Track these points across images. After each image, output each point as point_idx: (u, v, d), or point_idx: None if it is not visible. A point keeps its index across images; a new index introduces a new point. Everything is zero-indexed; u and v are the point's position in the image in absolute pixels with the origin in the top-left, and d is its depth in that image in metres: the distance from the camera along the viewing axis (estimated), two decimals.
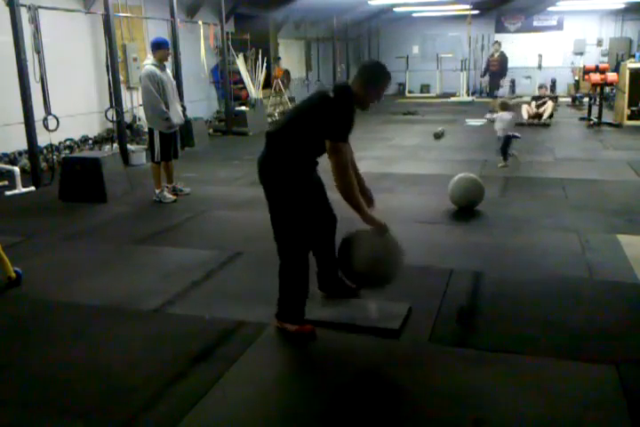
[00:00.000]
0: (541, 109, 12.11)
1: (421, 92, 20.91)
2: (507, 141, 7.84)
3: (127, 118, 9.51)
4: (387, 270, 3.36)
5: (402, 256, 3.40)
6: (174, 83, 6.54)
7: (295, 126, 3.21)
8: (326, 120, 3.08)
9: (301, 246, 3.23)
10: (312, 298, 3.61)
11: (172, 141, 6.41)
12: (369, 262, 3.30)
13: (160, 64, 6.13)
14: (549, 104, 12.10)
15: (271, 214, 3.27)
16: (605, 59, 18.28)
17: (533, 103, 12.30)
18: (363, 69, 3.26)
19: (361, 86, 3.17)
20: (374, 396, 2.70)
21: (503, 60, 15.21)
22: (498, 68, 15.24)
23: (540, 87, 12.81)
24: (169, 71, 6.37)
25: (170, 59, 6.95)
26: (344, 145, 3.11)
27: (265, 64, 12.65)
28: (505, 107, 8.00)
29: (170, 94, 6.19)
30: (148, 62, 6.12)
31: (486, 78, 16.94)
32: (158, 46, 6.12)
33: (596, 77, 11.69)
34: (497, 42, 14.67)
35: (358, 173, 3.47)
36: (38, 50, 7.21)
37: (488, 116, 12.29)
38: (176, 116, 6.30)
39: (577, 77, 16.94)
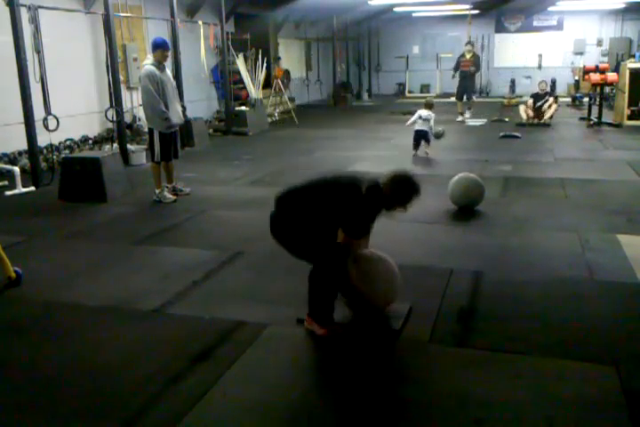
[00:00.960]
0: (544, 107, 11.98)
1: (421, 91, 20.92)
2: (421, 135, 8.88)
3: (127, 118, 9.52)
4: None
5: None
6: (174, 83, 6.54)
7: (310, 199, 3.24)
8: (349, 212, 3.10)
9: (336, 258, 3.18)
10: None
11: (172, 141, 6.42)
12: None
13: (159, 64, 6.13)
14: (551, 103, 11.98)
15: (298, 255, 3.32)
16: (605, 59, 18.29)
17: (531, 101, 12.22)
18: (397, 183, 3.18)
19: (391, 194, 3.15)
20: (374, 396, 2.70)
21: (476, 61, 13.24)
22: (471, 70, 13.08)
23: (540, 83, 12.57)
24: (168, 71, 6.37)
25: (170, 59, 6.94)
26: (356, 242, 3.18)
27: (265, 64, 12.65)
28: (429, 106, 9.03)
29: (169, 94, 6.19)
30: (148, 62, 6.12)
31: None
32: (157, 47, 6.12)
33: (595, 77, 11.70)
34: (470, 42, 13.87)
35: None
36: (38, 50, 7.21)
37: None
38: (176, 116, 6.30)
39: (577, 77, 16.96)
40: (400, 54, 20.79)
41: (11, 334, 3.41)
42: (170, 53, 6.52)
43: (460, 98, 13.29)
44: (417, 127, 8.93)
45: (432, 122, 8.96)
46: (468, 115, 13.32)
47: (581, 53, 19.45)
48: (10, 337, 3.37)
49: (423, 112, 8.90)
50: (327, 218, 3.15)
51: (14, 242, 4.93)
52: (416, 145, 8.97)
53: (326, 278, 3.18)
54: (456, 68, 13.28)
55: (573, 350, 3.08)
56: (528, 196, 6.38)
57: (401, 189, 3.16)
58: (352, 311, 3.47)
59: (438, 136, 10.62)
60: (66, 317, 3.59)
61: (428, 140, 8.93)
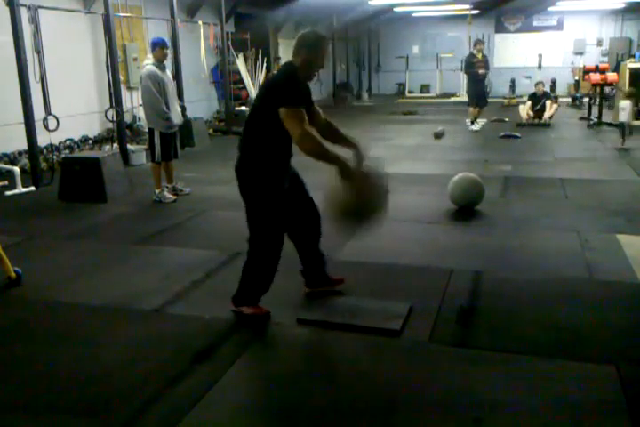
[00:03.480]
0: (547, 109, 11.96)
1: (421, 92, 20.93)
2: None
3: (127, 118, 9.51)
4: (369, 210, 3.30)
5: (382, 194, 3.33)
6: (174, 83, 6.54)
7: (256, 114, 3.27)
8: (274, 92, 3.14)
9: (275, 240, 3.32)
10: (313, 298, 3.62)
11: (172, 141, 6.42)
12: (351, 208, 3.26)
13: (160, 64, 6.13)
14: (549, 104, 12.02)
15: (247, 210, 3.37)
16: (605, 59, 18.30)
17: (529, 103, 12.22)
18: (298, 39, 3.25)
19: (301, 56, 3.21)
20: (374, 396, 2.70)
21: (487, 62, 11.94)
22: (484, 71, 11.72)
23: (537, 84, 12.41)
24: (169, 71, 6.37)
25: (170, 59, 6.95)
26: (299, 111, 3.07)
27: (265, 64, 12.66)
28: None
29: (170, 94, 6.20)
30: (149, 63, 6.12)
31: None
32: (156, 45, 6.12)
33: (596, 77, 11.70)
34: (480, 41, 12.02)
35: (333, 127, 3.47)
36: (38, 50, 7.22)
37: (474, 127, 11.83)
38: (176, 117, 6.31)
39: (577, 77, 16.96)
40: (400, 54, 20.79)
41: (11, 333, 3.41)
42: (170, 53, 6.52)
43: (475, 104, 11.78)
44: None
45: None
46: (477, 123, 11.97)
47: (581, 53, 19.46)
48: (10, 337, 3.37)
49: None
50: (271, 118, 3.10)
51: (14, 242, 4.93)
52: None
53: (262, 264, 3.34)
54: (468, 69, 11.76)
55: (573, 350, 3.08)
56: (528, 196, 6.38)
57: (307, 42, 3.22)
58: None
59: (438, 136, 10.64)
60: (66, 317, 3.59)
61: None
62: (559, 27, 19.93)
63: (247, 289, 3.43)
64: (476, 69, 11.46)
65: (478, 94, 11.69)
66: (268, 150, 3.24)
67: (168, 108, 6.14)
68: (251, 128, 3.28)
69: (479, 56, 11.62)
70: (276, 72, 3.28)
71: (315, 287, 3.73)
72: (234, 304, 3.46)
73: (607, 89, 13.09)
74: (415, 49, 21.27)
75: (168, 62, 6.48)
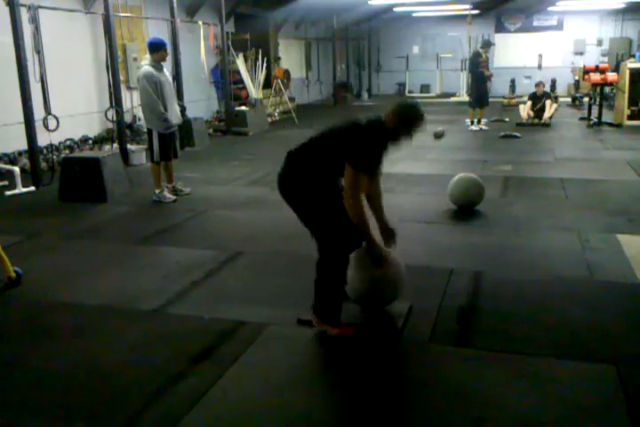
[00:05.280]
0: (546, 109, 11.95)
1: (421, 92, 20.92)
2: None
3: (127, 118, 9.51)
4: (382, 295, 3.38)
5: (400, 284, 3.40)
6: (172, 83, 6.54)
7: (318, 146, 3.17)
8: (352, 144, 3.04)
9: (344, 243, 3.16)
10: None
11: (171, 141, 6.42)
12: (366, 284, 3.32)
13: (157, 65, 6.13)
14: (549, 104, 12.02)
15: (304, 220, 3.21)
16: (605, 59, 18.30)
17: (529, 103, 12.22)
18: (399, 110, 3.12)
19: (395, 124, 3.09)
20: (374, 396, 2.70)
21: (488, 63, 11.91)
22: (490, 73, 11.69)
23: (537, 84, 12.37)
24: (166, 71, 6.36)
25: (170, 59, 6.95)
26: (362, 176, 3.02)
27: (265, 64, 12.66)
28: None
29: (168, 95, 6.19)
30: (146, 63, 6.12)
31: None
32: (157, 48, 6.09)
33: (596, 77, 11.70)
34: (488, 41, 12.11)
35: (380, 205, 3.41)
36: (38, 50, 7.22)
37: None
38: (174, 117, 6.31)
39: (577, 77, 16.96)
40: (400, 54, 20.80)
41: (11, 333, 3.41)
42: (169, 53, 6.51)
43: (480, 104, 11.65)
44: None
45: None
46: (482, 124, 11.86)
47: (581, 53, 19.46)
48: (10, 337, 3.37)
49: None
50: (333, 161, 3.05)
51: (14, 242, 4.93)
52: None
53: (332, 267, 3.15)
54: (473, 69, 11.54)
55: (573, 349, 3.08)
56: (528, 196, 6.38)
57: (404, 116, 3.10)
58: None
59: (438, 136, 10.63)
60: (66, 317, 3.59)
61: None
62: (559, 27, 19.93)
63: (324, 300, 3.22)
64: (481, 69, 11.38)
65: (481, 94, 11.59)
66: (317, 174, 3.14)
67: (166, 108, 6.13)
68: (306, 152, 3.18)
69: (484, 56, 11.56)
70: (364, 122, 3.11)
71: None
72: (317, 319, 3.24)
73: (607, 89, 13.08)
74: (415, 49, 21.27)
75: (168, 62, 6.47)
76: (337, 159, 3.04)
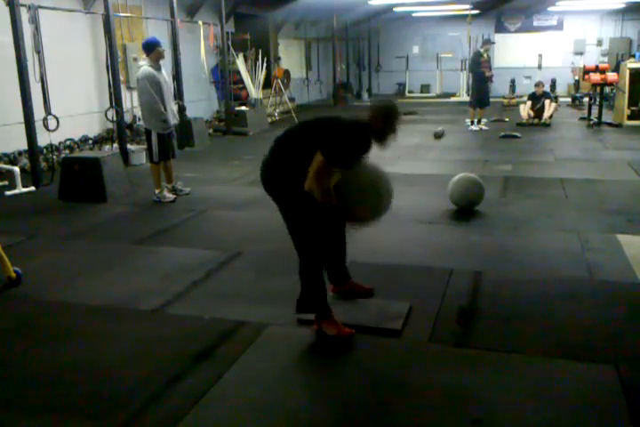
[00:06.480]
0: (545, 109, 11.96)
1: (421, 92, 20.92)
2: None
3: (127, 118, 9.51)
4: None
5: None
6: (170, 83, 6.53)
7: (298, 135, 3.20)
8: (330, 137, 3.04)
9: (318, 241, 3.20)
10: None
11: (169, 141, 6.42)
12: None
13: (156, 64, 6.12)
14: (548, 104, 12.02)
15: (283, 216, 3.23)
16: (605, 59, 18.29)
17: (529, 103, 12.21)
18: (382, 110, 3.15)
19: (381, 125, 3.11)
20: (374, 396, 2.70)
21: (490, 63, 11.76)
22: (491, 73, 11.60)
23: (537, 85, 12.33)
24: (164, 71, 6.36)
25: (169, 59, 6.94)
26: (332, 169, 3.00)
27: (265, 64, 12.66)
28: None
29: (166, 95, 6.19)
30: (144, 64, 6.11)
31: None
32: (152, 47, 6.07)
33: (596, 77, 11.70)
34: (489, 40, 12.06)
35: None
36: (38, 50, 7.21)
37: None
38: (172, 117, 6.32)
39: (577, 77, 16.95)
40: (400, 54, 20.78)
41: (11, 334, 3.41)
42: (169, 53, 6.50)
43: (477, 105, 11.60)
44: None
45: None
46: (482, 124, 11.84)
47: (581, 53, 19.45)
48: (10, 337, 3.37)
49: None
50: (310, 151, 3.03)
51: (14, 242, 4.93)
52: None
53: (313, 268, 3.19)
54: (474, 69, 11.43)
55: (573, 350, 3.08)
56: (528, 196, 6.38)
57: (388, 115, 3.12)
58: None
59: (438, 136, 10.64)
60: (66, 317, 3.59)
61: None
62: (559, 27, 19.92)
63: (309, 298, 3.26)
64: (482, 69, 11.34)
65: (482, 95, 11.53)
66: (297, 169, 3.12)
67: (165, 108, 6.14)
68: (286, 148, 3.22)
69: (485, 56, 11.49)
70: (349, 120, 3.16)
71: (340, 285, 3.67)
72: (316, 322, 3.26)
73: (607, 89, 13.08)
74: (415, 49, 21.26)
75: (167, 62, 6.47)
76: (313, 149, 3.03)
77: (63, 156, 7.42)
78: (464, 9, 17.14)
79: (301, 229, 3.19)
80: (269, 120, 13.35)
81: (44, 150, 7.89)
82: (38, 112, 7.20)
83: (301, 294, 3.28)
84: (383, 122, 3.10)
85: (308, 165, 3.03)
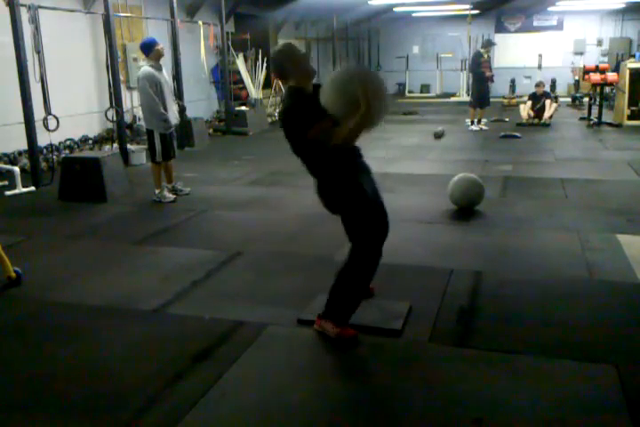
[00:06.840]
0: (546, 109, 11.96)
1: (421, 92, 20.92)
2: None
3: (127, 118, 9.52)
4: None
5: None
6: (171, 83, 6.53)
7: (296, 145, 3.10)
8: (289, 122, 3.03)
9: (376, 248, 3.14)
10: (313, 298, 3.61)
11: (171, 141, 6.42)
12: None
13: (157, 64, 6.12)
14: (549, 104, 12.03)
15: (344, 222, 3.17)
16: (605, 59, 18.29)
17: (529, 103, 12.21)
18: (271, 63, 3.16)
19: (287, 74, 3.07)
20: (374, 396, 2.70)
21: (490, 63, 11.78)
22: (491, 74, 11.58)
23: (538, 85, 12.31)
24: (165, 71, 6.36)
25: (169, 59, 6.94)
26: (321, 124, 2.89)
27: (265, 64, 12.65)
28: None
29: (167, 95, 6.19)
30: (145, 64, 6.11)
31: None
32: (150, 47, 6.07)
33: (596, 77, 11.70)
34: (489, 40, 12.09)
35: None
36: (38, 50, 7.21)
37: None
38: (173, 117, 6.32)
39: (577, 77, 16.95)
40: (400, 54, 20.78)
41: (11, 334, 3.41)
42: (169, 53, 6.50)
43: (477, 105, 11.60)
44: None
45: None
46: (482, 124, 11.83)
47: (581, 53, 19.45)
48: (10, 337, 3.37)
49: None
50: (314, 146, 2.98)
51: (14, 242, 4.93)
52: None
53: (364, 262, 3.12)
54: (475, 69, 11.43)
55: (573, 350, 3.08)
56: (528, 196, 6.38)
57: (279, 57, 3.07)
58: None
59: (438, 136, 10.64)
60: (66, 317, 3.59)
61: None
62: (559, 27, 19.92)
63: (340, 300, 3.20)
64: (482, 70, 11.36)
65: (482, 94, 11.54)
66: (334, 168, 3.08)
67: (165, 108, 6.14)
68: (304, 156, 3.14)
69: (485, 56, 11.52)
70: (284, 105, 3.11)
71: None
72: (318, 320, 3.23)
73: (607, 89, 13.08)
74: (415, 49, 21.26)
75: (168, 62, 6.47)
76: (306, 141, 2.97)
77: (63, 156, 7.42)
78: (464, 9, 17.13)
79: (360, 232, 3.13)
80: (269, 120, 13.35)
81: (44, 150, 7.90)
82: (38, 112, 7.20)
83: (336, 300, 3.18)
84: (287, 61, 3.05)
85: (325, 165, 3.03)
